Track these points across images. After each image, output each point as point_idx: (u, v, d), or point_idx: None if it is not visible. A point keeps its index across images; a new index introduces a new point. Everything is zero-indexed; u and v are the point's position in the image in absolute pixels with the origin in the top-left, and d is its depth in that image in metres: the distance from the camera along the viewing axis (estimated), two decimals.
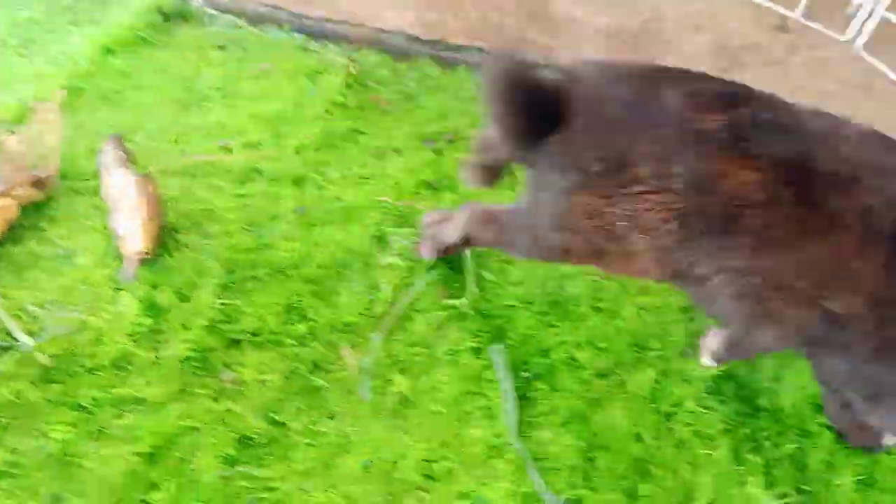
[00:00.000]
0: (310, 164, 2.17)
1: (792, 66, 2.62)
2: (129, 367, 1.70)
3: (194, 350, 1.72)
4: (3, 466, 1.55)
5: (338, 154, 2.23)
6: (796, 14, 2.73)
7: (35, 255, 1.90)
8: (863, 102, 2.48)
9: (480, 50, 2.65)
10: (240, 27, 2.71)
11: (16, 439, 1.58)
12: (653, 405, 1.73)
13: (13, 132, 2.09)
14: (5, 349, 1.71)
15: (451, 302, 1.88)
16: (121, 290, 1.82)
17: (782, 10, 2.77)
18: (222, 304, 1.82)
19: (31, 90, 2.34)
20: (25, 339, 1.72)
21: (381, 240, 2.00)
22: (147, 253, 1.83)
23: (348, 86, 2.39)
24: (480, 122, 2.35)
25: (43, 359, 1.69)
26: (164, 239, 1.93)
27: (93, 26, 2.72)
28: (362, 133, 2.29)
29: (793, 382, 1.78)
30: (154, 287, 1.82)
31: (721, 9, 2.83)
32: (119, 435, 1.60)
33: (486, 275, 1.95)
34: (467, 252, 1.96)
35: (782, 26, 2.76)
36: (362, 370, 1.75)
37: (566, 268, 1.97)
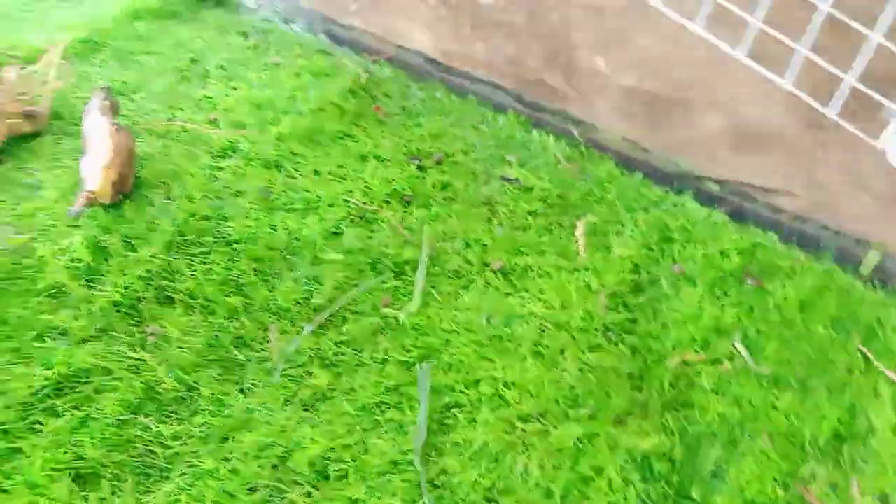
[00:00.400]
0: (287, 154, 2.46)
1: (817, 164, 2.80)
2: (62, 298, 1.96)
3: (126, 297, 1.98)
4: None
5: (319, 150, 2.51)
6: (830, 111, 2.95)
7: (7, 179, 2.24)
8: (889, 215, 2.63)
9: (495, 86, 2.95)
10: (271, 21, 3.10)
11: None
12: (572, 464, 1.80)
13: (22, 67, 2.48)
14: None
15: (391, 311, 2.10)
16: (76, 227, 2.12)
17: (816, 105, 2.99)
18: (165, 261, 2.08)
19: (54, 37, 2.74)
20: None
21: (336, 236, 2.25)
22: (95, 194, 2.12)
23: (352, 92, 2.70)
24: (474, 149, 2.63)
25: None
26: (130, 191, 2.23)
27: None
28: (351, 137, 2.57)
29: (734, 480, 1.80)
30: (106, 231, 2.12)
31: (753, 93, 3.06)
32: (34, 357, 1.83)
33: (436, 294, 2.17)
34: (423, 263, 2.18)
35: (815, 121, 2.97)
36: (284, 355, 1.97)
37: (518, 306, 2.17)
